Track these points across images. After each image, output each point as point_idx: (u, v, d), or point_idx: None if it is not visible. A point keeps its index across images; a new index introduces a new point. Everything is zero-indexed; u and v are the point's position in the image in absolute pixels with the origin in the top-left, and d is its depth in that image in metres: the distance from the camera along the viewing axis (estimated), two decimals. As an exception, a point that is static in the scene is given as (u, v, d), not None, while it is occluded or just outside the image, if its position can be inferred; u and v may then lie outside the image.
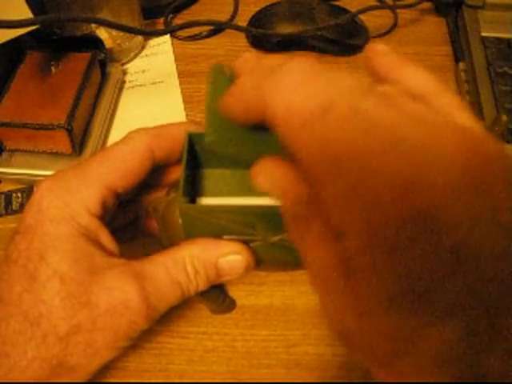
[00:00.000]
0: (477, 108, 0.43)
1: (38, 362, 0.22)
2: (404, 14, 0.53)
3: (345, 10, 0.51)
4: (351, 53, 0.50)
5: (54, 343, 0.22)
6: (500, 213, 0.15)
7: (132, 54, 0.49)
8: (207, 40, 0.51)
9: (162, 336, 0.33)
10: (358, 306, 0.16)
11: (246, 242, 0.25)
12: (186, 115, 0.45)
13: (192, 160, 0.25)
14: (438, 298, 0.14)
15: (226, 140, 0.21)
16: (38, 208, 0.24)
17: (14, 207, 0.39)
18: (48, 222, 0.23)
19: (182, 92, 0.47)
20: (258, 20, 0.50)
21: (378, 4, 0.53)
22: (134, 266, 0.24)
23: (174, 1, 0.53)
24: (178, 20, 0.53)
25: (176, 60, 0.49)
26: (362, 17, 0.50)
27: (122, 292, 0.22)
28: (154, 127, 0.27)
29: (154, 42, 0.51)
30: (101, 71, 0.44)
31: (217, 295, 0.33)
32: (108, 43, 0.45)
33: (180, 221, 0.25)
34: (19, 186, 0.40)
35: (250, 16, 0.51)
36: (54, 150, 0.39)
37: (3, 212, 0.39)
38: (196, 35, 0.51)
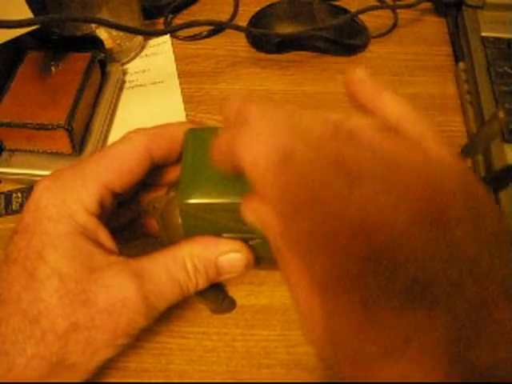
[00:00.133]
0: (477, 108, 0.43)
1: (38, 359, 0.22)
2: (404, 14, 0.53)
3: (345, 10, 0.51)
4: (351, 53, 0.50)
5: (53, 341, 0.22)
6: (458, 247, 0.16)
7: (132, 54, 0.49)
8: (207, 40, 0.51)
9: (162, 336, 0.33)
10: (327, 324, 0.17)
11: (245, 240, 0.25)
12: (186, 115, 0.45)
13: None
14: (396, 329, 0.15)
15: (202, 204, 0.23)
16: (37, 207, 0.24)
17: (13, 207, 0.39)
18: (46, 221, 0.23)
19: (182, 92, 0.47)
20: (258, 20, 0.50)
21: (378, 4, 0.53)
22: (132, 264, 0.24)
23: (174, 1, 0.53)
24: (178, 20, 0.53)
25: (176, 60, 0.49)
26: (362, 17, 0.50)
27: (120, 290, 0.22)
28: (153, 127, 0.27)
29: (154, 41, 0.51)
30: (101, 71, 0.44)
31: (217, 295, 0.33)
32: (108, 43, 0.45)
33: (180, 219, 0.25)
34: (19, 186, 0.40)
35: (250, 16, 0.51)
36: (54, 150, 0.39)
37: (3, 212, 0.39)
38: (196, 35, 0.51)
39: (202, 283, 0.25)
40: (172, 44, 0.51)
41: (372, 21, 0.52)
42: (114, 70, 0.46)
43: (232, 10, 0.53)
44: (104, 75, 0.44)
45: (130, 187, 0.26)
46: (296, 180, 0.17)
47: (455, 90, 0.47)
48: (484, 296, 0.16)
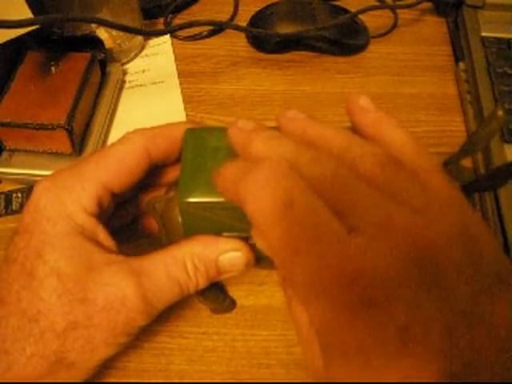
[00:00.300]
0: (477, 108, 0.43)
1: (37, 358, 0.22)
2: (404, 14, 0.53)
3: (345, 10, 0.51)
4: (351, 53, 0.50)
5: (52, 339, 0.22)
6: (452, 292, 0.16)
7: (132, 54, 0.49)
8: (207, 40, 0.51)
9: (162, 336, 0.33)
10: (324, 360, 0.18)
11: (245, 239, 0.25)
12: (186, 115, 0.45)
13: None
14: (390, 373, 0.16)
15: (201, 203, 0.23)
16: (36, 207, 0.24)
17: (14, 207, 0.39)
18: (45, 221, 0.23)
19: (182, 92, 0.47)
20: (258, 20, 0.50)
21: (378, 4, 0.53)
22: (131, 263, 0.24)
23: (174, 1, 0.53)
24: (178, 20, 0.53)
25: (176, 60, 0.49)
26: (362, 17, 0.50)
27: (118, 289, 0.23)
28: (152, 127, 0.27)
29: (154, 42, 0.51)
30: (101, 71, 0.44)
31: (217, 295, 0.33)
32: (108, 43, 0.45)
33: (179, 219, 0.25)
34: (19, 186, 0.40)
35: (250, 16, 0.51)
36: (54, 150, 0.39)
37: (3, 212, 0.39)
38: (196, 35, 0.51)
39: (203, 282, 0.25)
40: (172, 44, 0.51)
41: (372, 21, 0.52)
42: (114, 70, 0.46)
43: (232, 9, 0.53)
44: (104, 75, 0.44)
45: (129, 187, 0.26)
46: (295, 227, 0.18)
47: (455, 90, 0.47)
48: (479, 339, 0.16)
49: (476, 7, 0.50)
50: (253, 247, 0.25)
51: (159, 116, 0.45)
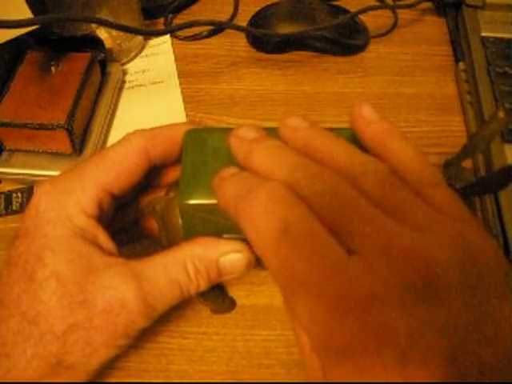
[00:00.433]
0: (477, 108, 0.43)
1: (37, 360, 0.22)
2: (404, 14, 0.53)
3: (345, 10, 0.51)
4: (351, 53, 0.50)
5: (52, 342, 0.22)
6: (454, 316, 0.16)
7: (132, 54, 0.49)
8: (207, 40, 0.51)
9: (162, 336, 0.33)
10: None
11: (245, 240, 0.25)
12: (186, 115, 0.45)
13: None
14: None
15: (202, 205, 0.23)
16: (36, 211, 0.24)
17: (14, 207, 0.39)
18: (45, 224, 0.23)
19: (182, 92, 0.47)
20: (258, 20, 0.50)
21: (378, 4, 0.53)
22: (132, 266, 0.24)
23: (174, 1, 0.53)
24: (178, 20, 0.53)
25: (176, 60, 0.49)
26: (362, 17, 0.50)
27: (118, 291, 0.23)
28: (151, 128, 0.27)
29: (154, 42, 0.51)
30: (101, 71, 0.44)
31: (217, 295, 0.33)
32: (108, 43, 0.45)
33: (180, 220, 0.25)
34: (19, 186, 0.40)
35: (250, 16, 0.51)
36: (54, 150, 0.39)
37: (3, 212, 0.39)
38: (196, 35, 0.51)
39: (203, 284, 0.25)
40: (172, 44, 0.51)
41: (372, 21, 0.52)
42: (114, 70, 0.46)
43: (232, 10, 0.53)
44: (104, 75, 0.44)
45: (129, 189, 0.26)
46: (293, 254, 0.18)
47: (455, 89, 0.47)
48: (485, 360, 0.16)
49: (476, 7, 0.50)
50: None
51: (159, 116, 0.45)
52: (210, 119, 0.45)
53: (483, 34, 0.48)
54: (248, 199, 0.20)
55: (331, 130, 0.26)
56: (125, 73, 0.48)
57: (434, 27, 0.52)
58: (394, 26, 0.52)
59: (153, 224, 0.30)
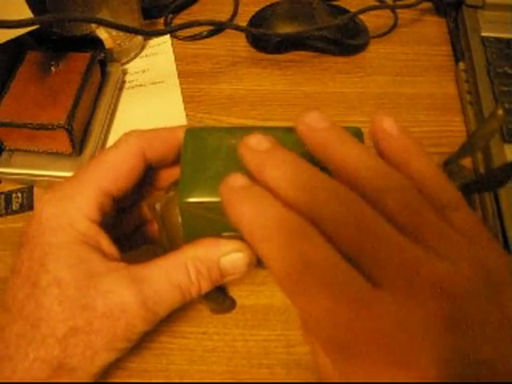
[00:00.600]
0: (477, 108, 0.43)
1: (39, 363, 0.22)
2: (404, 14, 0.53)
3: (345, 10, 0.51)
4: (351, 53, 0.50)
5: (54, 345, 0.22)
6: (477, 350, 0.16)
7: (132, 54, 0.49)
8: (207, 40, 0.51)
9: (163, 336, 0.33)
10: None
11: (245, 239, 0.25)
12: (186, 115, 0.45)
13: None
14: None
15: (201, 203, 0.23)
16: (39, 220, 0.24)
17: (14, 207, 0.39)
18: (48, 232, 0.24)
19: (181, 92, 0.47)
20: (258, 20, 0.50)
21: (378, 4, 0.54)
22: (132, 270, 0.24)
23: (174, 1, 0.53)
24: (178, 20, 0.53)
25: (176, 60, 0.49)
26: (362, 17, 0.50)
27: (118, 295, 0.23)
28: (147, 130, 0.27)
29: (154, 42, 0.51)
30: (101, 71, 0.44)
31: (217, 295, 0.33)
32: (108, 43, 0.45)
33: (179, 218, 0.25)
34: (19, 186, 0.40)
35: (250, 16, 0.51)
36: (54, 150, 0.39)
37: (3, 212, 0.39)
38: (196, 35, 0.51)
39: (205, 286, 0.25)
40: (172, 44, 0.51)
41: (372, 21, 0.52)
42: (114, 70, 0.46)
43: (232, 9, 0.53)
44: (104, 75, 0.44)
45: (128, 190, 0.26)
46: (315, 292, 0.17)
47: (455, 89, 0.47)
48: None
49: (476, 7, 0.50)
50: None
51: (159, 116, 0.45)
52: (209, 119, 0.45)
53: (483, 34, 0.48)
54: (265, 231, 0.19)
55: None
56: (125, 73, 0.48)
57: (434, 27, 0.53)
58: (394, 26, 0.52)
59: (155, 229, 0.30)
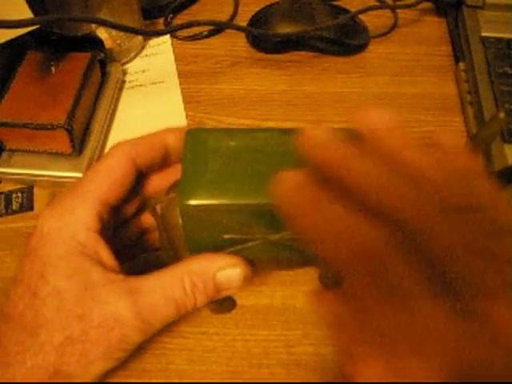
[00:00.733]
0: (477, 108, 0.43)
1: (36, 369, 0.23)
2: (404, 14, 0.53)
3: (345, 10, 0.51)
4: (351, 53, 0.50)
5: (51, 352, 0.23)
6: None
7: (132, 54, 0.49)
8: (207, 40, 0.51)
9: (162, 336, 0.33)
10: None
11: (246, 241, 0.25)
12: (186, 115, 0.45)
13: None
14: None
15: (202, 206, 0.23)
16: (41, 233, 0.25)
17: (14, 207, 0.39)
18: (49, 245, 0.25)
19: (182, 92, 0.47)
20: (258, 20, 0.50)
21: (378, 4, 0.54)
22: (129, 282, 0.24)
23: (174, 1, 0.53)
24: (178, 20, 0.53)
25: (176, 60, 0.49)
26: (362, 17, 0.51)
27: (114, 306, 0.24)
28: (133, 138, 0.29)
29: (154, 42, 0.51)
30: (101, 71, 0.44)
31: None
32: (108, 43, 0.45)
33: (180, 220, 0.25)
34: (19, 186, 0.40)
35: (250, 16, 0.51)
36: (54, 150, 0.39)
37: (3, 212, 0.39)
38: (196, 35, 0.51)
39: (201, 300, 0.26)
40: (172, 44, 0.51)
41: (372, 21, 0.52)
42: (113, 70, 0.46)
43: (232, 9, 0.53)
44: (104, 75, 0.44)
45: (123, 197, 0.27)
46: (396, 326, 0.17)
47: (455, 90, 0.47)
48: None
49: (476, 7, 0.50)
50: (254, 249, 0.25)
51: (159, 116, 0.45)
52: (210, 119, 0.45)
53: (483, 34, 0.48)
54: (349, 253, 0.17)
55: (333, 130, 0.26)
56: (125, 73, 0.48)
57: (434, 27, 0.52)
58: (394, 25, 0.52)
59: (153, 239, 0.31)
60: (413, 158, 0.18)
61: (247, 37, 0.51)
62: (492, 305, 0.17)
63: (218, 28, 0.51)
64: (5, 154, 0.40)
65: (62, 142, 0.38)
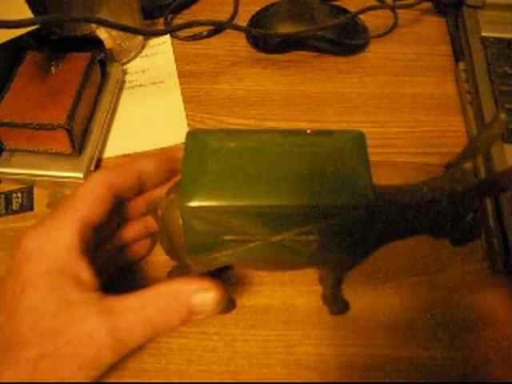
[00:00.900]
0: (477, 108, 0.43)
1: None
2: (404, 14, 0.53)
3: (345, 10, 0.51)
4: (351, 53, 0.50)
5: (25, 368, 0.24)
6: None
7: (132, 54, 0.49)
8: (207, 40, 0.51)
9: (162, 336, 0.33)
10: None
11: (246, 242, 0.25)
12: (186, 115, 0.45)
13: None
14: None
15: (202, 207, 0.23)
16: (24, 251, 0.26)
17: (14, 207, 0.39)
18: (31, 262, 0.26)
19: (181, 92, 0.47)
20: (258, 20, 0.50)
21: (378, 4, 0.54)
22: (106, 301, 0.25)
23: (174, 1, 0.53)
24: (178, 20, 0.53)
25: (176, 60, 0.49)
26: (362, 17, 0.51)
27: (88, 324, 0.24)
28: (110, 168, 0.31)
29: (154, 42, 0.51)
30: (101, 71, 0.44)
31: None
32: (108, 43, 0.45)
33: (180, 221, 0.25)
34: (19, 186, 0.40)
35: (250, 16, 0.51)
36: (54, 150, 0.39)
37: (3, 212, 0.39)
38: (196, 35, 0.51)
39: (175, 322, 0.26)
40: (172, 44, 0.51)
41: (372, 21, 0.52)
42: (113, 70, 0.46)
43: (232, 9, 0.53)
44: (104, 75, 0.44)
45: (104, 217, 0.29)
46: None
47: (455, 90, 0.47)
48: None
49: (476, 7, 0.50)
50: (254, 250, 0.25)
51: (159, 116, 0.45)
52: (210, 119, 0.45)
53: (483, 34, 0.48)
54: None
55: (333, 131, 0.26)
56: (125, 73, 0.48)
57: (434, 27, 0.53)
58: (394, 26, 0.52)
59: (136, 250, 0.34)
60: None
61: (247, 37, 0.51)
62: None
63: (217, 28, 0.51)
64: (5, 154, 0.40)
65: (62, 142, 0.38)
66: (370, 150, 0.25)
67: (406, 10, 0.53)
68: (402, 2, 0.52)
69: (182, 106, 0.45)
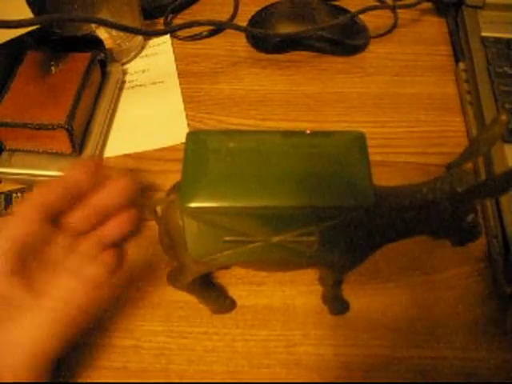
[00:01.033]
0: (477, 108, 0.43)
1: None
2: (404, 14, 0.53)
3: (345, 10, 0.51)
4: (351, 53, 0.50)
5: None
6: None
7: (132, 54, 0.49)
8: (207, 40, 0.51)
9: (162, 336, 0.33)
10: None
11: (247, 243, 0.25)
12: (186, 115, 0.45)
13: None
14: None
15: (203, 208, 0.23)
16: None
17: (14, 207, 0.39)
18: None
19: (181, 92, 0.47)
20: (258, 20, 0.50)
21: (378, 4, 0.53)
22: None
23: (174, 1, 0.53)
24: (178, 20, 0.53)
25: (176, 60, 0.49)
26: (362, 17, 0.50)
27: None
28: (43, 187, 0.29)
29: (154, 42, 0.51)
30: (101, 71, 0.44)
31: (217, 295, 0.33)
32: (108, 43, 0.45)
33: (181, 222, 0.25)
34: (19, 186, 0.40)
35: (250, 16, 0.51)
36: (54, 150, 0.39)
37: (3, 212, 0.39)
38: (196, 35, 0.51)
39: None
40: (172, 44, 0.51)
41: (372, 21, 0.52)
42: (114, 70, 0.46)
43: (232, 10, 0.53)
44: (104, 75, 0.44)
45: (40, 236, 0.28)
46: None
47: (455, 90, 0.47)
48: None
49: (476, 7, 0.50)
50: (253, 251, 0.25)
51: (159, 116, 0.45)
52: (210, 119, 0.45)
53: (483, 34, 0.48)
54: None
55: (333, 132, 0.26)
56: (125, 73, 0.48)
57: (434, 27, 0.53)
58: (394, 26, 0.52)
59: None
60: None
61: (247, 37, 0.51)
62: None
63: (217, 28, 0.51)
64: (5, 154, 0.40)
65: (62, 142, 0.38)
66: (370, 150, 0.25)
67: (406, 10, 0.53)
68: (402, 2, 0.52)
69: (182, 106, 0.45)
